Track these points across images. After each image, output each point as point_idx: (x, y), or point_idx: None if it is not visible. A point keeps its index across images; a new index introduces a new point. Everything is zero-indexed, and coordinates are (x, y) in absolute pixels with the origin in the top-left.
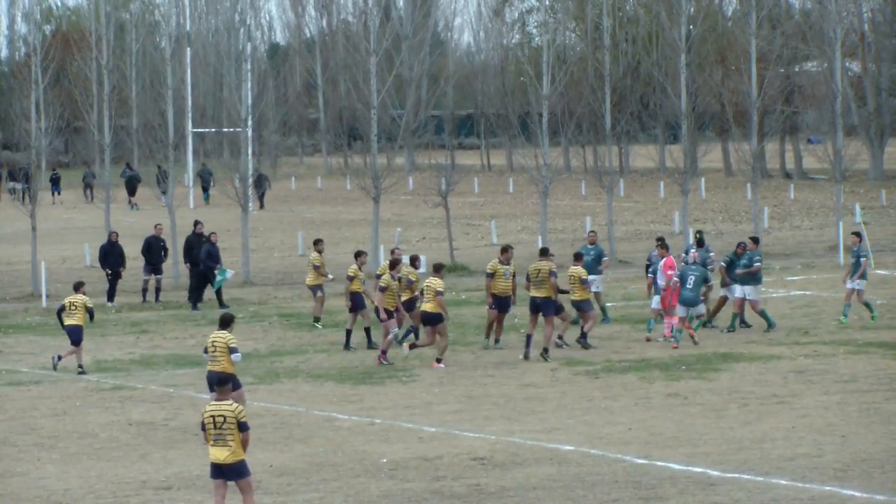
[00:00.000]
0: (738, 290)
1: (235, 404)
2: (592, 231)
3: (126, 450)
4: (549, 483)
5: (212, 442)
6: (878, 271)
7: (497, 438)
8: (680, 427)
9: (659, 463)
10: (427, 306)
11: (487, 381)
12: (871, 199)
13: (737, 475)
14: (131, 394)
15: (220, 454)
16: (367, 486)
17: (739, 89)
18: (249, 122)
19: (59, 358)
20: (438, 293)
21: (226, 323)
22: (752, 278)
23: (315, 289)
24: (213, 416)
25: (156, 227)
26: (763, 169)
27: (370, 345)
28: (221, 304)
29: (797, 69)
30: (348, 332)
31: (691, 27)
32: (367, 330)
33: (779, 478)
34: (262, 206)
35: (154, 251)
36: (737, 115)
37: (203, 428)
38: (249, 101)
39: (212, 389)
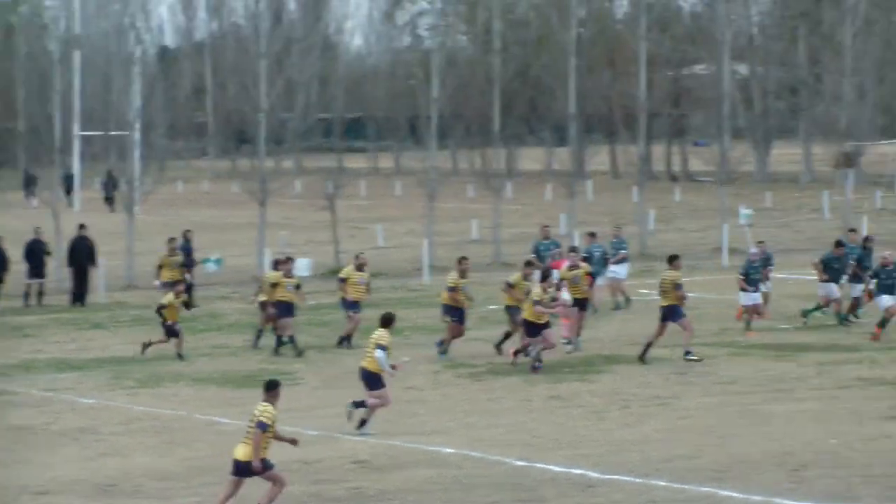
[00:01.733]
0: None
1: (266, 406)
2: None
3: (4, 454)
4: (429, 486)
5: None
6: (804, 277)
7: (378, 441)
8: (561, 429)
9: (539, 465)
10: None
11: None
12: (757, 202)
13: (616, 477)
14: (10, 398)
15: (238, 450)
16: (248, 490)
17: (628, 92)
18: (137, 126)
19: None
20: (677, 286)
21: (387, 322)
22: None
23: (166, 285)
24: (252, 414)
25: (36, 230)
26: (649, 171)
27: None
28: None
29: (685, 72)
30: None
31: (581, 30)
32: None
33: (658, 479)
34: (112, 209)
35: (36, 255)
36: (624, 118)
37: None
38: (138, 104)
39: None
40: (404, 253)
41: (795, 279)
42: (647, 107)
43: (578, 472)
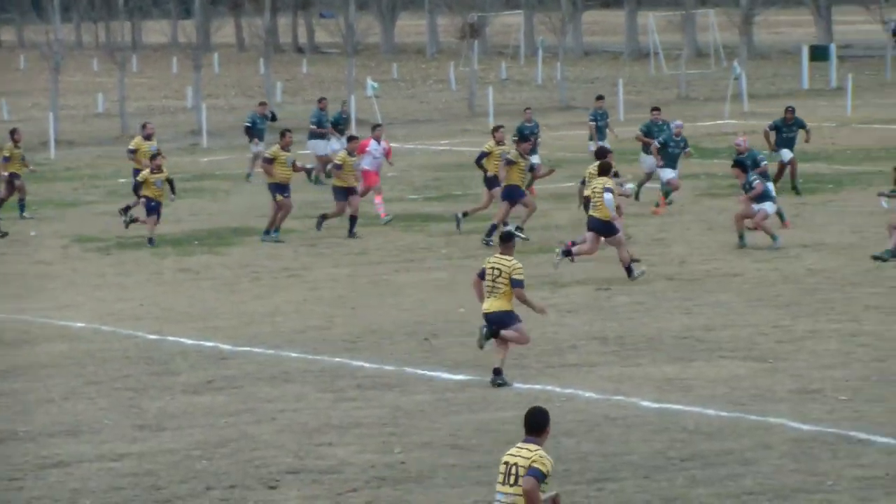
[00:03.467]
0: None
1: (512, 261)
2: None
3: None
4: (61, 360)
5: (486, 293)
6: (431, 147)
7: (7, 316)
8: (192, 302)
9: (171, 338)
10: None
11: None
12: (383, 73)
13: (248, 349)
14: None
15: (487, 304)
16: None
17: None
18: None
19: None
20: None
21: (605, 170)
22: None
23: None
24: (492, 268)
25: None
26: (276, 44)
27: None
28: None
29: None
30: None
31: None
32: None
33: (290, 350)
34: None
35: None
36: None
37: (482, 276)
38: None
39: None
40: (29, 126)
41: (423, 150)
42: None
43: (210, 344)
